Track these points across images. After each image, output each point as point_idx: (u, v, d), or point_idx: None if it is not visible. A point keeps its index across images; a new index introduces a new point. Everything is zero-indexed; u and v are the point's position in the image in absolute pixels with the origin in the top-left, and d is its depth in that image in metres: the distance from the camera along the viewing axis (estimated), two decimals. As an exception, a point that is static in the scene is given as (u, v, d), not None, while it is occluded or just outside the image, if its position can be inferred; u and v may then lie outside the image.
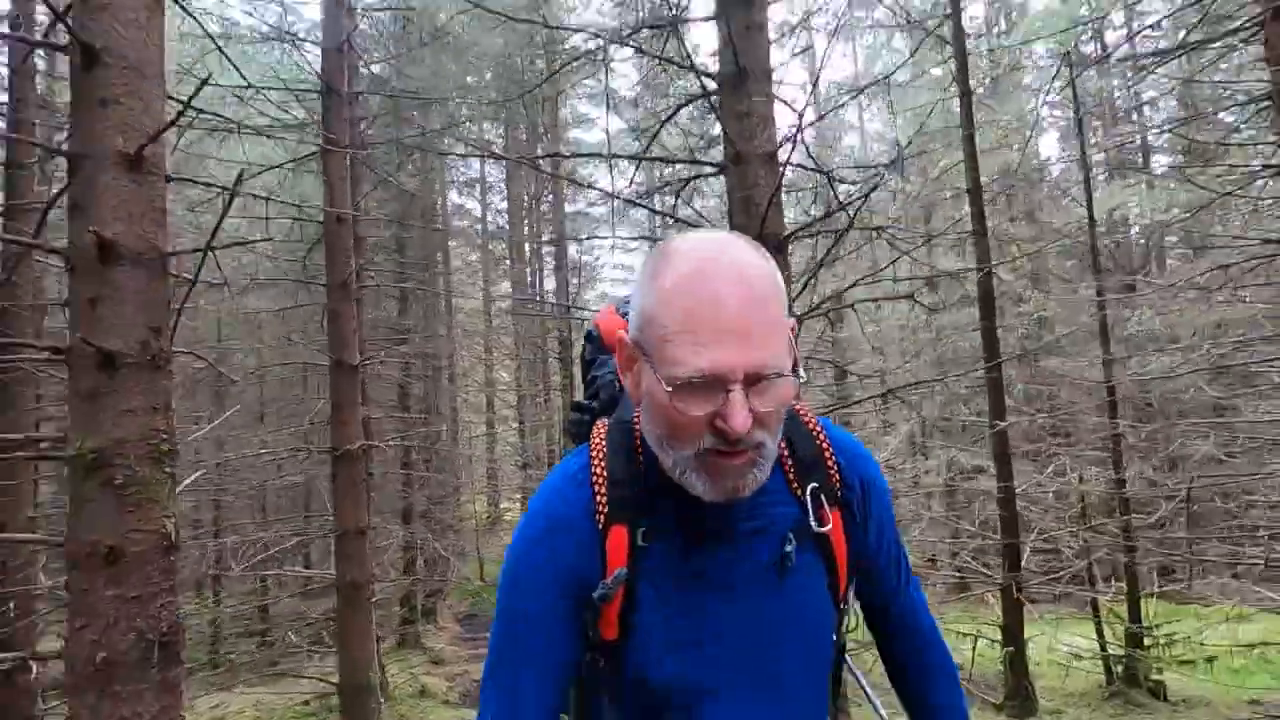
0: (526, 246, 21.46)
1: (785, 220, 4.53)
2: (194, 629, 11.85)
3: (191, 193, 7.67)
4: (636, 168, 4.54)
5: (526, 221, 20.51)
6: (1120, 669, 8.84)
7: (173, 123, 2.49)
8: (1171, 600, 10.87)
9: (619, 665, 0.95)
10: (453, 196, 19.55)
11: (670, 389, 0.84)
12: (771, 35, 4.71)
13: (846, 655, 1.19)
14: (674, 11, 4.81)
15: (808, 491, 1.00)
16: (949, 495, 13.68)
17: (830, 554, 1.01)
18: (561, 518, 0.95)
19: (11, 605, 5.62)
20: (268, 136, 5.93)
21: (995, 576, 7.99)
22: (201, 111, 2.63)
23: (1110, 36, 16.25)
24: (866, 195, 3.81)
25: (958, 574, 10.96)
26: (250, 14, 7.62)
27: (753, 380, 0.83)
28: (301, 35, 7.50)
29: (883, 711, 1.31)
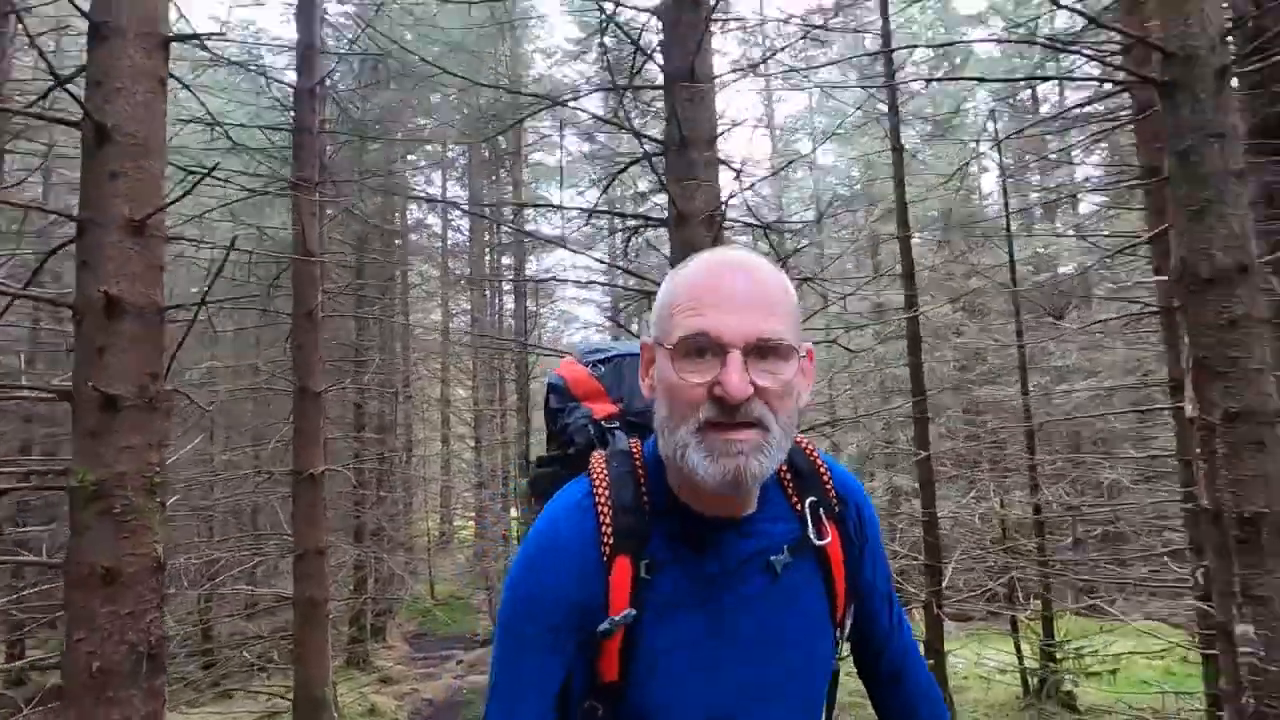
0: (486, 263, 21.73)
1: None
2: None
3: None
4: (587, 220, 5.00)
5: (487, 234, 20.79)
6: (1035, 682, 9.55)
7: (180, 198, 2.84)
8: (1090, 617, 11.68)
9: (621, 707, 0.94)
10: (413, 210, 19.77)
11: (670, 348, 0.89)
12: (725, 67, 5.18)
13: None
14: (628, 79, 5.30)
15: (806, 504, 1.01)
16: (890, 517, 14.37)
17: (829, 571, 1.01)
18: (565, 544, 0.95)
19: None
20: (243, 187, 6.21)
21: (920, 595, 8.59)
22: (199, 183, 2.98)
23: (1042, 88, 17.48)
24: (788, 257, 4.31)
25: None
26: (224, 51, 7.85)
27: (753, 350, 0.86)
28: (273, 67, 7.79)
29: None
